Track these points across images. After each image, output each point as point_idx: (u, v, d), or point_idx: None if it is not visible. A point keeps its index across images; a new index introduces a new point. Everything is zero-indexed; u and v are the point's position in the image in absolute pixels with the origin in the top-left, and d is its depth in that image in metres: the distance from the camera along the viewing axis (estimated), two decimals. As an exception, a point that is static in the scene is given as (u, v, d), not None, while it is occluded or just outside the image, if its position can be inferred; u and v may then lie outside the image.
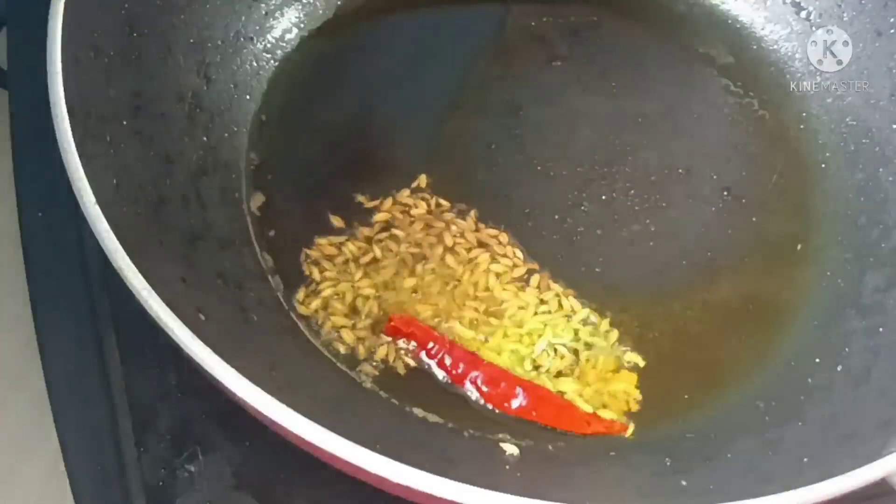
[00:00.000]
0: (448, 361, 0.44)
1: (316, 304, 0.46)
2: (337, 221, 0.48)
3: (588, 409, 0.44)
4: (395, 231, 0.48)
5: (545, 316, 0.46)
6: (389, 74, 0.55)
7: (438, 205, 0.50)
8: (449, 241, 0.48)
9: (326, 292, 0.46)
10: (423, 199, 0.50)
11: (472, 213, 0.49)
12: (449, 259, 0.48)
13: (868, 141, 0.52)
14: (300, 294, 0.46)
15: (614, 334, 0.46)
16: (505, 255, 0.48)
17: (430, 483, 0.31)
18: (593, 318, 0.46)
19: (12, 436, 0.47)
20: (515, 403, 0.43)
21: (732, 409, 0.44)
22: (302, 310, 0.46)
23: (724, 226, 0.50)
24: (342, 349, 0.45)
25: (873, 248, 0.48)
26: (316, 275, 0.47)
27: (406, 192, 0.50)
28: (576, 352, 0.45)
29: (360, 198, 0.49)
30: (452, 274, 0.47)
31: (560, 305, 0.47)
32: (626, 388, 0.45)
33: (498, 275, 0.47)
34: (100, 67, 0.42)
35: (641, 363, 0.45)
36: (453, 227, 0.49)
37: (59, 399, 0.43)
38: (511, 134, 0.53)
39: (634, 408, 0.44)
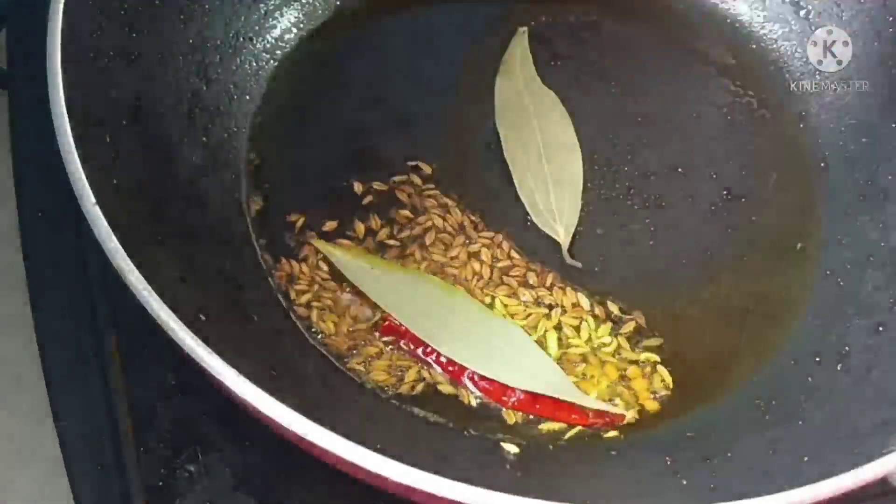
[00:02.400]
0: (444, 359, 0.44)
1: (315, 312, 0.46)
2: (333, 223, 0.48)
3: (595, 404, 0.44)
4: (395, 232, 0.48)
5: (542, 313, 0.46)
6: (389, 74, 0.55)
7: (438, 205, 0.50)
8: (449, 243, 0.48)
9: (322, 296, 0.46)
10: (421, 199, 0.50)
11: (472, 213, 0.49)
12: (447, 261, 0.48)
13: (867, 140, 0.52)
14: (297, 297, 0.46)
15: (630, 325, 0.46)
16: (506, 256, 0.48)
17: (430, 483, 0.31)
18: (608, 309, 0.47)
19: (12, 436, 0.47)
20: (514, 397, 0.43)
21: (732, 409, 0.44)
22: (301, 312, 0.46)
23: (724, 225, 0.50)
24: (343, 354, 0.45)
25: (873, 248, 0.48)
26: (307, 277, 0.47)
27: (405, 192, 0.50)
28: (583, 345, 0.46)
29: (358, 197, 0.49)
30: (451, 276, 0.47)
31: (560, 303, 0.47)
32: (651, 382, 0.45)
33: (497, 276, 0.47)
34: (100, 67, 0.42)
35: (657, 357, 0.46)
36: (452, 228, 0.49)
37: (59, 399, 0.43)
38: (511, 134, 0.53)
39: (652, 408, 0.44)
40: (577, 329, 0.46)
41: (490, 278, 0.47)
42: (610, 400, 0.44)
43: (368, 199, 0.50)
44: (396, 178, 0.50)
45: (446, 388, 0.44)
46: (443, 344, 0.44)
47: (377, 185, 0.50)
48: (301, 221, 0.48)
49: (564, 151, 0.51)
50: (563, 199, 0.50)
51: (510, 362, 0.44)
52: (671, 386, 0.45)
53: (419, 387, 0.44)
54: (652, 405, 0.44)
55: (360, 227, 0.48)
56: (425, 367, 0.44)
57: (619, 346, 0.46)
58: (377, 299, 0.45)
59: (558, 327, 0.46)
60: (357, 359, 0.44)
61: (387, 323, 0.45)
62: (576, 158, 0.51)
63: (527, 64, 0.54)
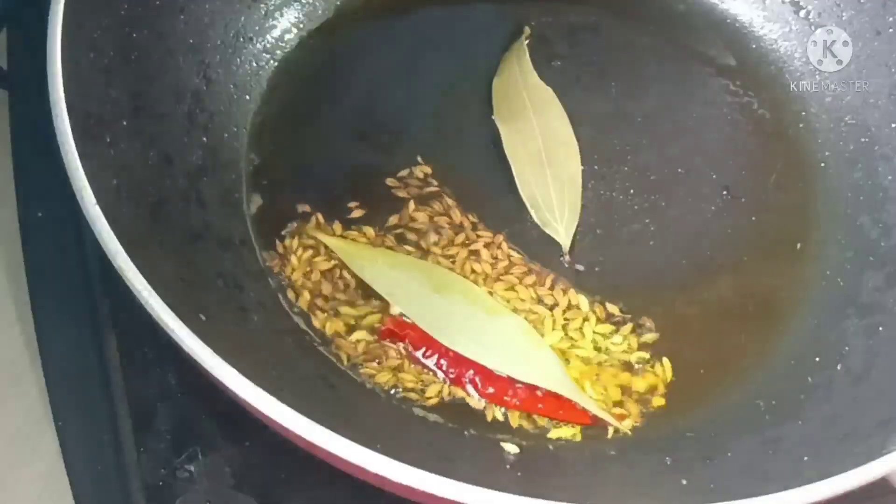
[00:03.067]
0: (444, 364, 0.44)
1: (320, 318, 0.46)
2: (333, 222, 0.48)
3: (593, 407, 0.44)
4: (395, 233, 0.48)
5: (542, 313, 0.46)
6: (389, 74, 0.55)
7: (438, 205, 0.50)
8: (450, 241, 0.48)
9: (322, 300, 0.46)
10: (421, 199, 0.50)
11: (472, 213, 0.49)
12: (448, 261, 0.48)
13: (867, 140, 0.52)
14: (294, 298, 0.46)
15: (630, 325, 0.46)
16: (505, 256, 0.48)
17: (430, 483, 0.31)
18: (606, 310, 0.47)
19: (12, 436, 0.47)
20: (515, 398, 0.43)
21: (732, 409, 0.44)
22: (308, 319, 0.46)
23: (724, 225, 0.50)
24: (343, 357, 0.45)
25: (873, 248, 0.48)
26: (302, 280, 0.47)
27: (405, 192, 0.50)
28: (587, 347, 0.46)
29: (354, 203, 0.49)
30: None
31: (559, 303, 0.47)
32: (651, 381, 0.45)
33: (497, 276, 0.47)
34: (100, 67, 0.42)
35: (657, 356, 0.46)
36: (452, 229, 0.49)
37: (59, 399, 0.43)
38: (511, 134, 0.53)
39: (658, 403, 0.44)
40: (577, 329, 0.46)
41: (489, 278, 0.47)
42: (610, 401, 0.44)
43: (367, 199, 0.49)
44: (396, 178, 0.50)
45: (475, 404, 0.44)
46: (444, 335, 0.44)
47: (377, 185, 0.50)
48: (300, 221, 0.48)
49: (564, 149, 0.51)
50: (563, 198, 0.50)
51: (512, 353, 0.44)
52: (670, 382, 0.45)
53: (434, 400, 0.44)
54: (657, 401, 0.44)
55: (360, 227, 0.48)
56: (448, 385, 0.44)
57: (618, 346, 0.46)
58: (380, 289, 0.46)
59: (558, 327, 0.46)
60: (367, 367, 0.44)
61: (386, 327, 0.45)
62: (574, 156, 0.51)
63: (524, 61, 0.54)
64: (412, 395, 0.44)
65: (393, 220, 0.49)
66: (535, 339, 0.45)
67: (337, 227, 0.48)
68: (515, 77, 0.53)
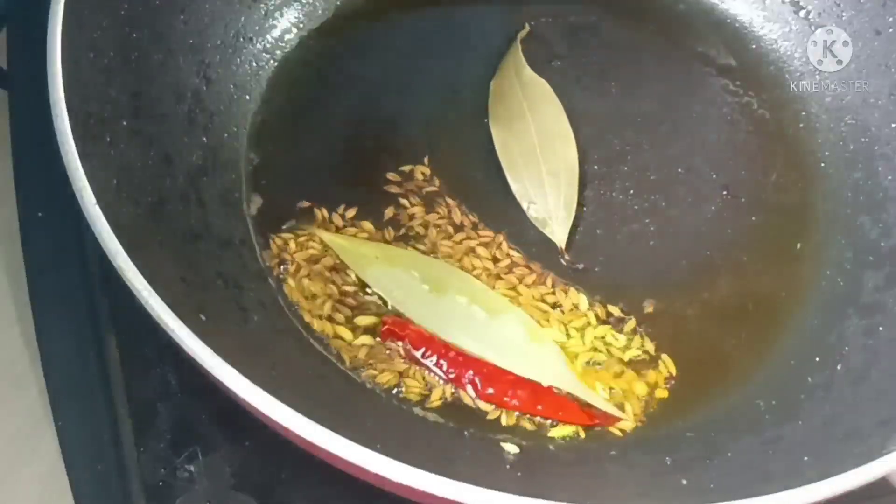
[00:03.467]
0: (443, 364, 0.44)
1: (320, 319, 0.46)
2: (336, 223, 0.49)
3: (599, 402, 0.44)
4: (394, 233, 0.48)
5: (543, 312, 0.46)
6: (389, 75, 0.55)
7: (437, 206, 0.50)
8: (448, 244, 0.48)
9: (319, 296, 0.46)
10: (421, 199, 0.50)
11: (472, 214, 0.49)
12: (448, 261, 0.48)
13: (867, 140, 0.52)
14: (294, 298, 0.46)
15: (631, 324, 0.46)
16: (505, 255, 0.48)
17: (430, 483, 0.31)
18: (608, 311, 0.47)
19: (12, 436, 0.47)
20: (515, 399, 0.43)
21: (732, 409, 0.44)
22: (306, 319, 0.46)
23: (724, 225, 0.51)
24: (346, 360, 0.45)
25: (873, 248, 0.48)
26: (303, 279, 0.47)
27: (404, 192, 0.50)
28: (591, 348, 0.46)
29: (354, 203, 0.49)
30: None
31: (560, 303, 0.47)
32: (646, 387, 0.45)
33: (497, 275, 0.47)
34: (100, 67, 0.42)
35: (653, 351, 0.46)
36: (452, 229, 0.49)
37: (59, 399, 0.43)
38: (511, 134, 0.53)
39: (661, 395, 0.44)
40: (577, 329, 0.46)
41: (490, 277, 0.47)
42: (611, 400, 0.44)
43: (367, 199, 0.49)
44: (395, 179, 0.50)
45: (475, 405, 0.44)
46: (445, 332, 0.44)
47: (376, 186, 0.50)
48: (300, 220, 0.48)
49: (560, 142, 0.51)
50: (559, 193, 0.50)
51: (514, 349, 0.44)
52: (671, 378, 0.45)
53: (438, 403, 0.44)
54: (660, 393, 0.44)
55: (359, 225, 0.48)
56: (452, 387, 0.44)
57: (618, 345, 0.46)
58: (380, 290, 0.46)
59: (559, 327, 0.46)
60: (370, 370, 0.44)
61: (386, 328, 0.45)
62: (570, 146, 0.51)
63: (518, 57, 0.54)
64: (413, 398, 0.44)
65: (389, 212, 0.49)
66: (538, 334, 0.45)
67: (337, 223, 0.48)
68: (511, 75, 0.54)
